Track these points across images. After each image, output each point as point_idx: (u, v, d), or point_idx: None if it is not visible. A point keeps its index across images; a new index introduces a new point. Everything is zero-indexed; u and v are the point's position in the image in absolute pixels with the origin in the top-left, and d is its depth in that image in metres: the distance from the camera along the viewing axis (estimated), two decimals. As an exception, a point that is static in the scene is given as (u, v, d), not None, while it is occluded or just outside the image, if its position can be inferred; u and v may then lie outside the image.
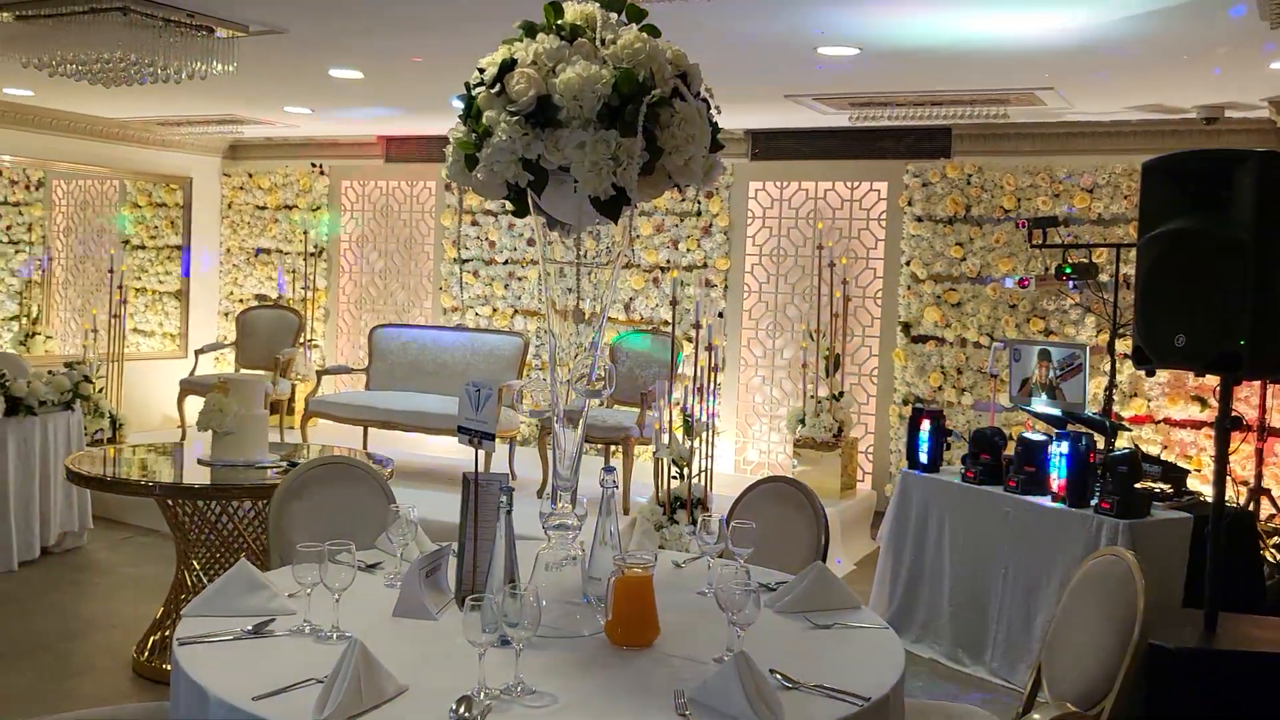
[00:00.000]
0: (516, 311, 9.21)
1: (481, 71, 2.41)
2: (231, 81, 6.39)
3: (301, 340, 9.39)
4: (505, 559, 2.49)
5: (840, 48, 5.27)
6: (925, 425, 5.29)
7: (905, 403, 7.80)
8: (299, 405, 8.85)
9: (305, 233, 10.02)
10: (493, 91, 2.36)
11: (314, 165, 10.09)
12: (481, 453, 2.77)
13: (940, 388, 7.68)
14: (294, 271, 10.07)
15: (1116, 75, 5.68)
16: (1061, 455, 4.54)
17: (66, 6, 5.05)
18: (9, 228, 10.05)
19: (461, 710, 2.01)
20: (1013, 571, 4.77)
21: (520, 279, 9.17)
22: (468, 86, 2.45)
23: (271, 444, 4.94)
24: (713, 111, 2.50)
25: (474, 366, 8.14)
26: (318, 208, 10.08)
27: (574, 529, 2.65)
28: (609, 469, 2.73)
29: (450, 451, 8.34)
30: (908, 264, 7.80)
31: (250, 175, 10.42)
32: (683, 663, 2.38)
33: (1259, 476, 6.19)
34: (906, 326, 7.82)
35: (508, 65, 2.35)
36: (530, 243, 9.09)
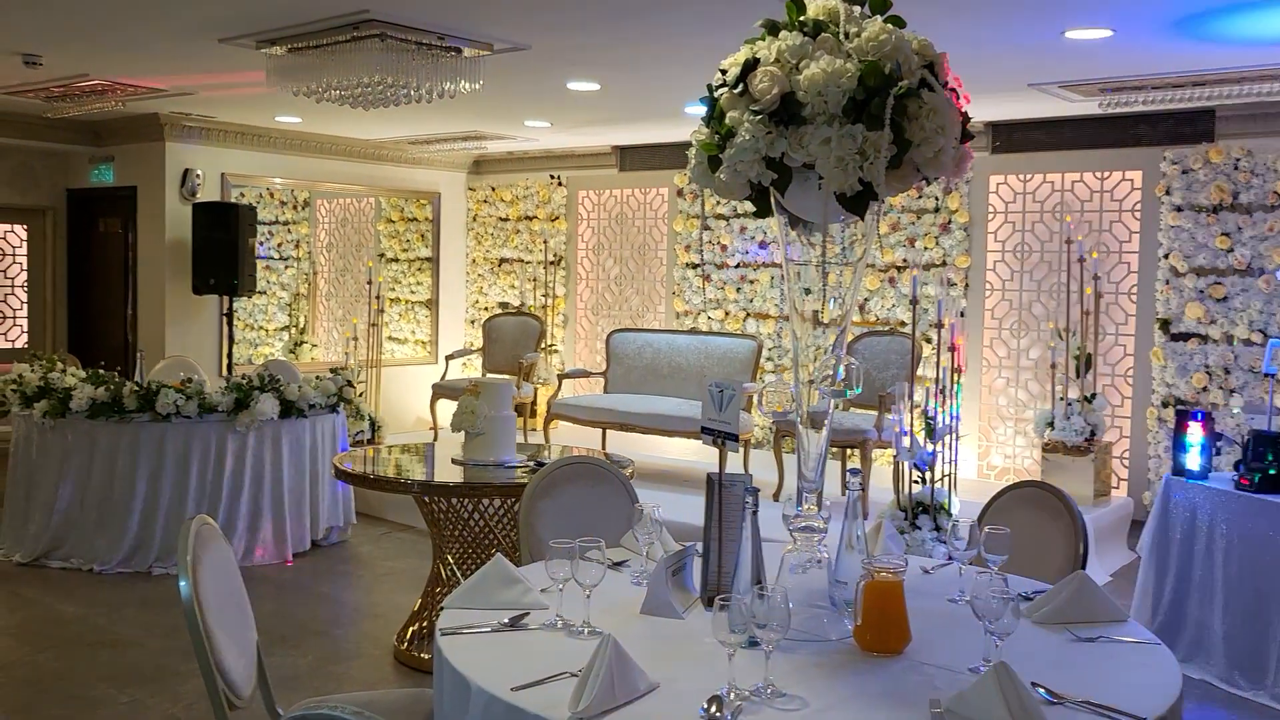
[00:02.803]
0: (749, 315, 9.20)
1: (724, 73, 2.42)
2: (476, 99, 6.69)
3: (543, 345, 9.72)
4: (752, 560, 2.47)
5: (1091, 30, 4.99)
6: (1193, 428, 4.93)
7: (1165, 405, 7.31)
8: (540, 408, 9.16)
9: (545, 242, 10.37)
10: (735, 92, 2.36)
11: (552, 177, 10.43)
12: (725, 454, 2.77)
13: (1205, 389, 7.15)
14: (534, 280, 10.44)
15: None
16: (1354, 461, 4.13)
17: (329, 37, 5.42)
18: (280, 245, 10.89)
19: (713, 710, 2.01)
20: (1297, 588, 4.38)
21: (752, 282, 9.16)
22: (710, 89, 2.46)
23: (517, 445, 5.12)
24: (961, 101, 2.41)
25: (708, 370, 8.20)
26: (556, 218, 10.40)
27: (820, 531, 2.61)
28: (855, 471, 2.68)
29: (685, 454, 8.44)
30: (1166, 257, 7.30)
31: (493, 189, 10.87)
32: (936, 671, 2.30)
33: None
34: (1165, 324, 7.32)
35: (750, 65, 2.34)
36: (762, 246, 9.07)
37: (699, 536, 3.12)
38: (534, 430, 9.14)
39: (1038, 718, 1.95)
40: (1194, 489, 4.91)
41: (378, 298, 9.64)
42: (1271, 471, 4.61)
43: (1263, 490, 4.60)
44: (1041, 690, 2.12)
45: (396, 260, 11.02)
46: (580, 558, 2.48)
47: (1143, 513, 7.14)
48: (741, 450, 7.48)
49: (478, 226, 11.01)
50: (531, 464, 4.77)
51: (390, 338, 10.78)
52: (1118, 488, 7.55)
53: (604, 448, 8.07)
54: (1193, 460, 4.94)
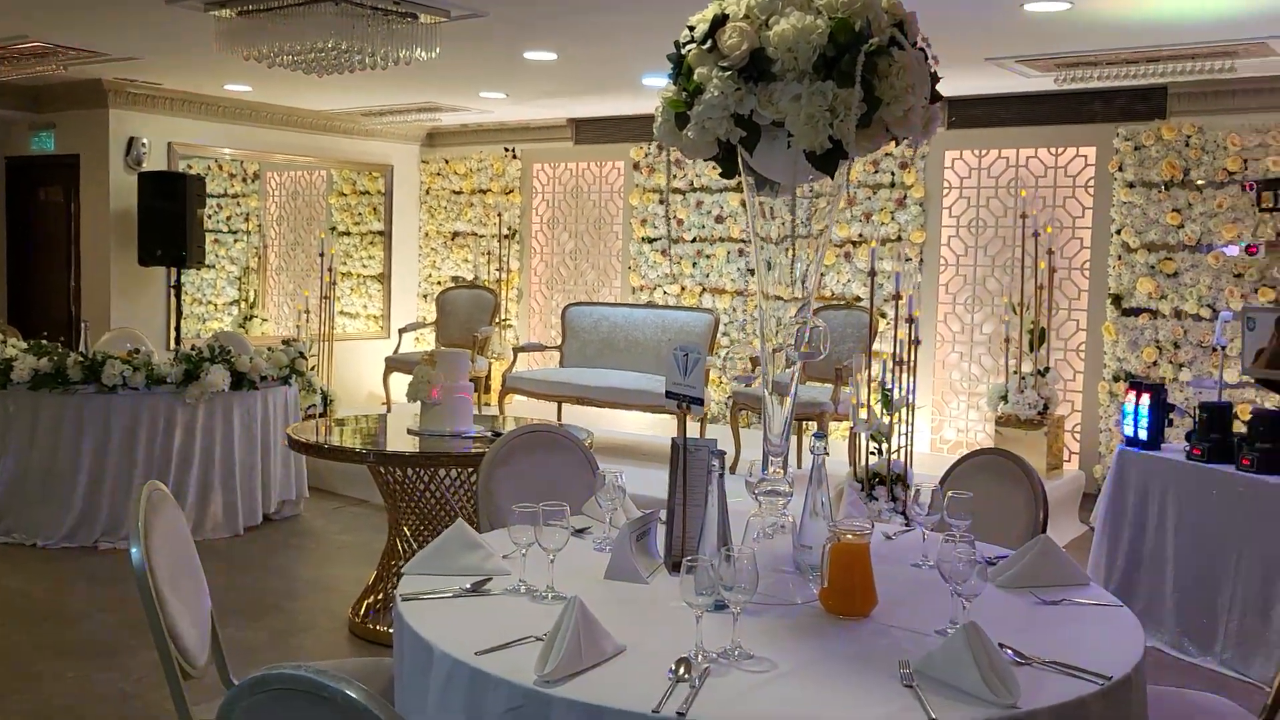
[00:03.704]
0: (705, 289, 9.19)
1: (691, 29, 2.38)
2: (431, 68, 6.59)
3: (497, 320, 9.64)
4: (719, 523, 2.46)
5: (1049, 3, 5.00)
6: (1144, 400, 4.98)
7: (1116, 379, 7.40)
8: (495, 382, 9.10)
9: (499, 215, 10.27)
10: (704, 48, 2.32)
11: (507, 150, 10.33)
12: (688, 419, 2.74)
13: (1155, 363, 7.25)
14: (488, 254, 10.35)
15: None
16: (1304, 430, 4.19)
17: (281, 0, 5.30)
18: (229, 218, 10.69)
19: (681, 671, 1.99)
20: (1247, 557, 4.45)
21: (708, 257, 9.14)
22: (677, 45, 2.41)
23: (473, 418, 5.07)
24: (930, 61, 2.39)
25: (665, 344, 8.17)
26: (510, 191, 10.31)
27: (786, 495, 2.60)
28: (819, 435, 2.67)
29: (642, 427, 8.43)
30: (1118, 233, 7.38)
31: (446, 161, 10.74)
32: (903, 634, 2.30)
33: None
34: (1117, 299, 7.41)
35: (719, 20, 2.30)
36: (719, 220, 9.05)
37: (658, 507, 3.10)
38: (488, 405, 9.07)
39: (1008, 677, 1.95)
40: (1146, 460, 4.96)
41: (330, 271, 9.50)
42: (1220, 442, 4.67)
43: (1212, 460, 4.67)
44: (1009, 651, 2.12)
45: (348, 234, 10.87)
46: (544, 523, 2.45)
47: (1094, 486, 7.24)
48: (698, 424, 7.47)
49: (431, 200, 10.89)
50: (489, 434, 4.72)
51: (342, 312, 10.64)
52: (1069, 461, 7.64)
53: (559, 421, 8.02)
54: (1145, 431, 5.00)
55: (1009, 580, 2.65)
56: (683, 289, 9.31)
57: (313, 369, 8.76)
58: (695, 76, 2.32)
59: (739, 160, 2.45)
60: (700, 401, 2.70)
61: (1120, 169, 7.34)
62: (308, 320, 9.52)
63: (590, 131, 9.81)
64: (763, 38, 2.23)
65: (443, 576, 2.55)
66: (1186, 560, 4.74)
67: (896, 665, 2.07)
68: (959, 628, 2.05)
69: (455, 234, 10.71)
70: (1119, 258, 7.39)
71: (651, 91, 7.72)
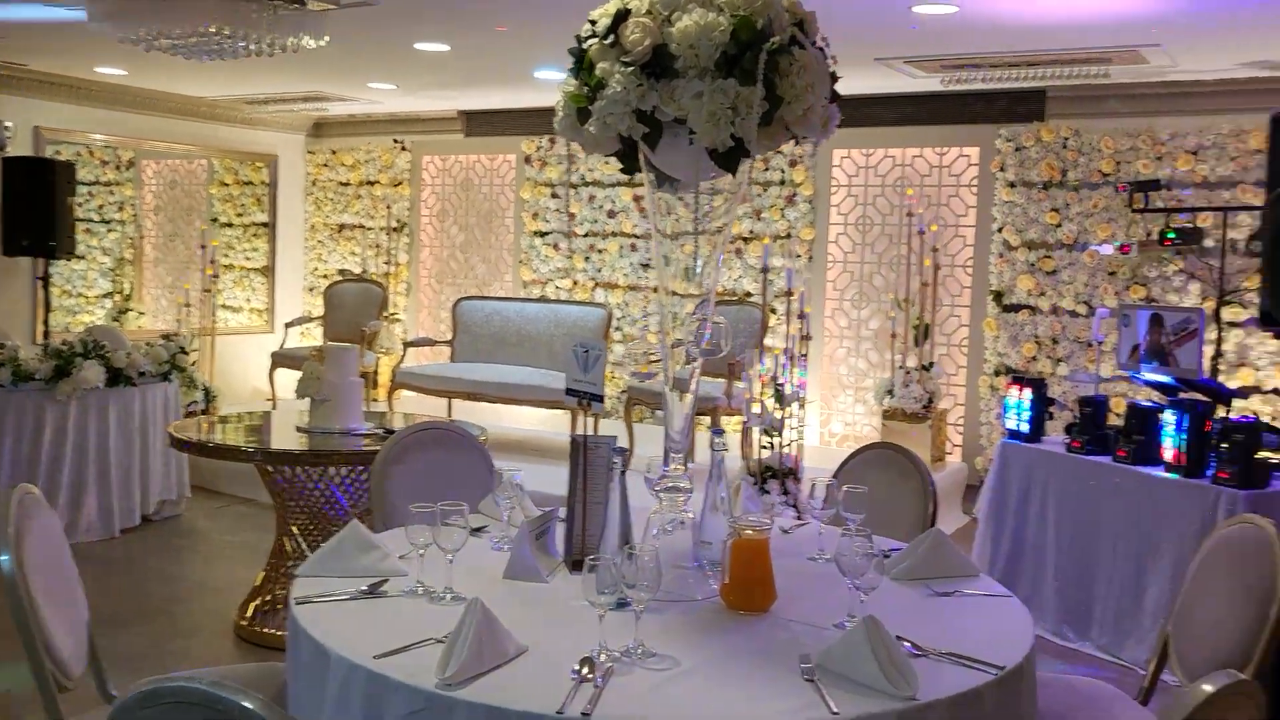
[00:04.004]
0: (597, 284, 9.18)
1: (593, 23, 2.35)
2: (319, 57, 6.43)
3: (385, 314, 9.48)
4: (620, 521, 2.45)
5: (938, 6, 5.12)
6: (1026, 394, 5.14)
7: (997, 373, 7.63)
8: (384, 377, 8.94)
9: (388, 208, 10.10)
10: (606, 43, 2.30)
11: (396, 141, 10.15)
12: (586, 415, 2.73)
13: (1034, 358, 7.49)
14: (377, 246, 10.16)
15: (1231, 28, 5.44)
16: (1176, 423, 4.37)
17: (161, -19, 5.10)
18: (101, 206, 10.28)
19: (584, 671, 1.97)
20: (1122, 545, 4.62)
21: (601, 251, 9.13)
22: (579, 39, 2.39)
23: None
24: (829, 60, 2.41)
25: (557, 338, 8.13)
26: (399, 183, 10.14)
27: (687, 492, 2.60)
28: (718, 432, 2.68)
29: (535, 423, 8.38)
30: (1000, 231, 7.60)
31: (334, 152, 10.51)
32: (803, 628, 2.32)
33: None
34: (998, 295, 7.63)
35: (621, 15, 2.29)
36: (611, 215, 9.05)
37: (554, 505, 3.08)
38: (376, 400, 8.92)
39: (906, 669, 1.98)
40: (1029, 452, 5.13)
41: (212, 263, 9.22)
42: (1097, 434, 4.85)
43: (1091, 452, 4.84)
44: (906, 643, 2.16)
45: (231, 225, 10.55)
46: (442, 522, 2.41)
47: (976, 477, 7.45)
48: (592, 420, 7.45)
49: (317, 191, 10.64)
50: (380, 431, 4.63)
51: (224, 305, 10.32)
52: (952, 453, 7.84)
53: (450, 416, 7.93)
54: (1027, 424, 5.16)
55: (903, 573, 2.70)
56: (575, 283, 9.28)
57: (194, 364, 8.50)
58: (597, 71, 2.30)
59: (640, 157, 2.44)
60: (601, 399, 2.69)
61: (1002, 169, 7.56)
62: (188, 314, 9.22)
63: (481, 124, 9.70)
64: (665, 34, 2.23)
65: (338, 578, 2.49)
66: (1066, 549, 4.91)
67: (797, 660, 2.09)
68: (858, 621, 2.08)
69: (342, 226, 10.49)
70: (1000, 255, 7.61)
71: (544, 84, 7.67)
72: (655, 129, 2.30)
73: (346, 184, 10.45)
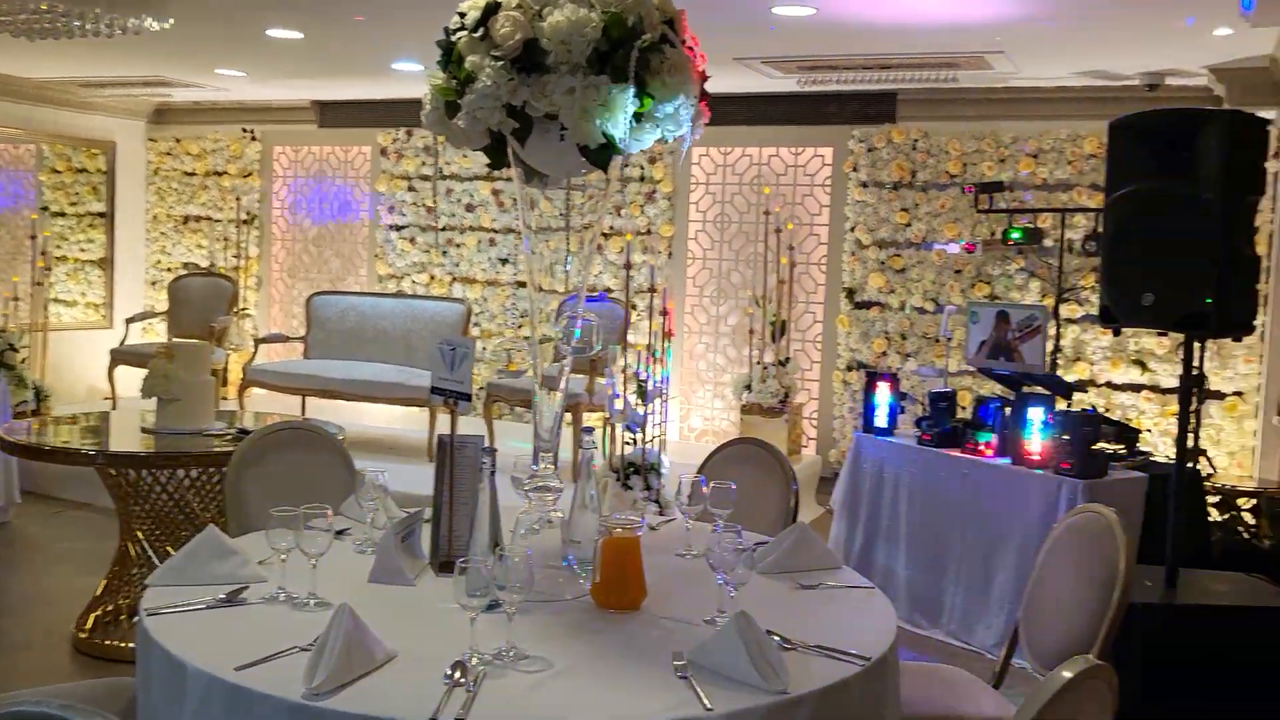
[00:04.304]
0: (455, 279, 9.06)
1: (462, 15, 2.31)
2: (162, 40, 6.16)
3: (235, 309, 9.15)
4: (490, 522, 2.41)
5: (796, 8, 5.22)
6: (881, 388, 5.29)
7: (849, 369, 7.83)
8: (234, 374, 8.64)
9: (237, 199, 9.75)
10: (475, 36, 2.26)
11: (245, 130, 9.81)
12: (444, 415, 2.68)
13: (884, 353, 7.72)
14: (225, 239, 9.80)
15: (1068, 38, 5.71)
16: (1020, 417, 4.56)
17: (-11, -46, 4.81)
18: (-80, 192, 9.62)
19: (456, 675, 1.94)
20: (970, 534, 4.80)
21: (458, 245, 9.02)
22: (447, 31, 2.35)
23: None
24: (698, 59, 2.43)
25: (415, 334, 8.00)
26: (249, 174, 9.81)
27: (557, 491, 2.58)
28: (588, 430, 2.67)
29: (391, 420, 8.22)
30: (852, 230, 7.81)
31: (178, 140, 10.09)
32: (674, 625, 2.33)
33: (1196, 437, 6.32)
34: (851, 292, 7.84)
35: (492, 8, 2.25)
36: (469, 209, 8.94)
37: (416, 505, 3.02)
38: (226, 398, 8.59)
39: (777, 663, 2.01)
40: (882, 445, 5.28)
41: (43, 255, 8.73)
42: (947, 427, 5.03)
43: (940, 445, 5.01)
44: (776, 637, 2.19)
45: (63, 215, 10.00)
46: (305, 526, 2.33)
47: (829, 470, 7.64)
48: (449, 417, 7.35)
49: (160, 180, 10.20)
50: (234, 431, 4.46)
51: (56, 300, 9.79)
52: (807, 447, 8.02)
53: (304, 415, 7.71)
54: (881, 418, 5.31)
55: (769, 567, 2.74)
56: (432, 278, 9.14)
57: (24, 362, 8.05)
58: (466, 64, 2.26)
59: (509, 151, 2.41)
60: (468, 397, 2.65)
61: (854, 169, 7.76)
62: (16, 309, 8.72)
63: (336, 115, 9.45)
64: (536, 28, 2.20)
65: (194, 586, 2.39)
66: (917, 538, 5.07)
67: (670, 657, 2.10)
68: (730, 617, 2.10)
69: (188, 218, 10.08)
70: (852, 254, 7.81)
71: (403, 76, 7.52)
72: (526, 124, 2.27)
73: (192, 174, 10.04)
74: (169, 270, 10.05)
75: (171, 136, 10.11)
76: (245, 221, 9.76)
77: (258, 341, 8.50)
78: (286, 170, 9.82)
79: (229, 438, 4.36)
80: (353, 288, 9.42)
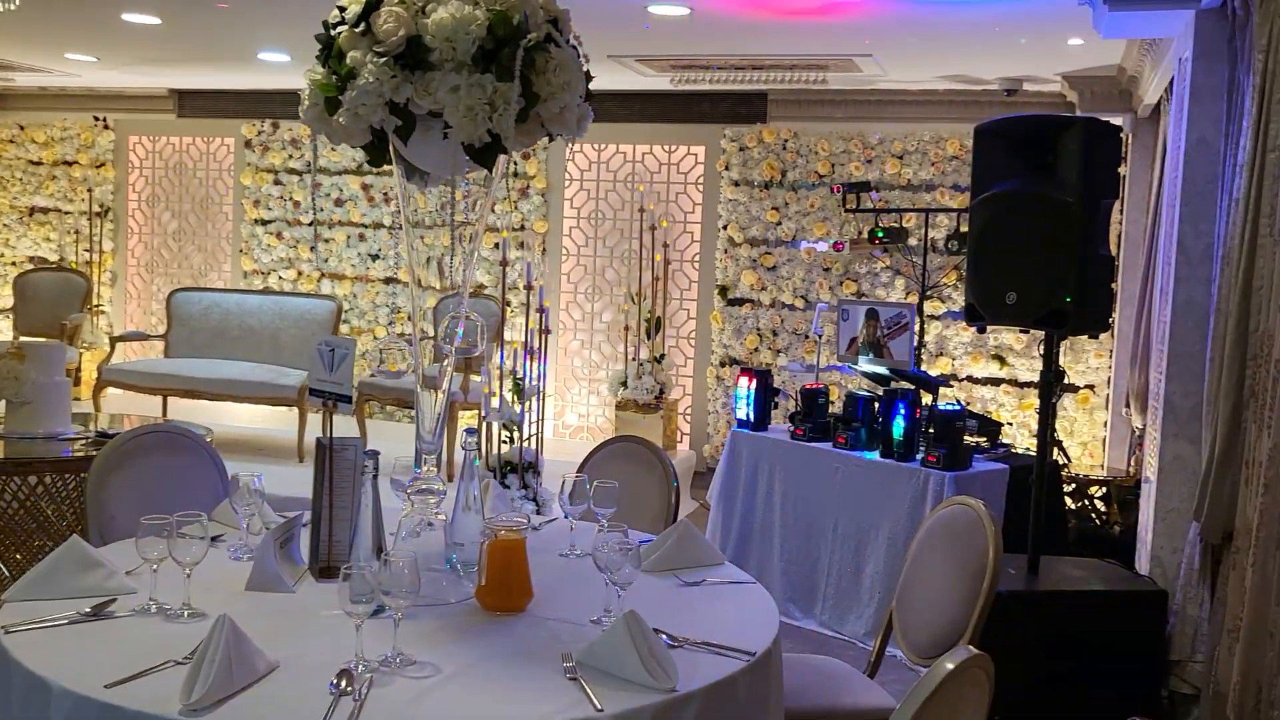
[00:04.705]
0: (324, 275, 8.85)
1: (343, 10, 2.26)
2: (5, 21, 5.85)
3: (89, 306, 8.76)
4: (373, 526, 2.37)
5: (671, 7, 5.25)
6: (753, 384, 5.37)
7: (723, 364, 7.94)
8: (88, 374, 8.27)
9: (89, 191, 9.33)
10: (357, 31, 2.21)
11: (97, 119, 9.39)
12: (320, 415, 2.62)
13: (757, 349, 7.85)
14: (76, 233, 9.37)
15: (932, 45, 5.89)
16: (889, 411, 4.69)
17: None
18: None
19: (343, 684, 1.90)
20: (842, 526, 4.92)
21: (327, 241, 8.82)
22: (326, 25, 2.29)
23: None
24: (583, 58, 2.43)
25: (283, 332, 7.79)
26: (102, 164, 9.39)
27: (440, 493, 2.55)
28: (471, 431, 2.64)
29: (256, 420, 8.00)
30: (725, 228, 7.91)
31: (22, 128, 9.60)
32: (560, 625, 2.33)
33: (1052, 430, 6.61)
34: (724, 290, 7.94)
35: (373, 3, 2.20)
36: (338, 203, 8.75)
37: (286, 508, 2.95)
38: (79, 399, 8.22)
39: (666, 661, 2.03)
40: (755, 440, 5.36)
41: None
42: (818, 422, 5.14)
43: (812, 439, 5.12)
44: (663, 635, 2.21)
45: (-106, 204, 9.43)
46: (178, 533, 2.25)
47: (704, 464, 7.74)
48: (319, 417, 7.19)
49: (2, 170, 9.68)
50: (91, 435, 4.27)
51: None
52: (682, 442, 8.10)
53: (165, 416, 7.44)
54: (755, 413, 5.39)
55: (653, 565, 2.76)
56: (300, 274, 8.92)
57: None
58: (348, 60, 2.21)
59: (391, 149, 2.37)
60: (348, 399, 2.59)
61: (726, 168, 7.86)
62: None
63: (196, 104, 9.12)
64: (420, 25, 2.16)
65: (56, 601, 2.27)
66: (791, 531, 5.17)
67: (559, 658, 2.09)
68: (618, 617, 2.11)
69: (34, 209, 9.60)
70: (725, 251, 7.91)
71: (268, 67, 7.31)
72: (409, 122, 2.23)
73: (38, 163, 9.57)
74: (14, 264, 9.56)
75: (14, 123, 9.61)
76: (99, 214, 9.34)
77: (114, 340, 8.15)
78: (143, 161, 9.44)
79: (87, 441, 4.17)
80: (216, 284, 9.13)
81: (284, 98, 8.40)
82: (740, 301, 7.90)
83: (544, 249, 8.31)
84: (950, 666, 1.69)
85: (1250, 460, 3.05)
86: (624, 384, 7.63)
